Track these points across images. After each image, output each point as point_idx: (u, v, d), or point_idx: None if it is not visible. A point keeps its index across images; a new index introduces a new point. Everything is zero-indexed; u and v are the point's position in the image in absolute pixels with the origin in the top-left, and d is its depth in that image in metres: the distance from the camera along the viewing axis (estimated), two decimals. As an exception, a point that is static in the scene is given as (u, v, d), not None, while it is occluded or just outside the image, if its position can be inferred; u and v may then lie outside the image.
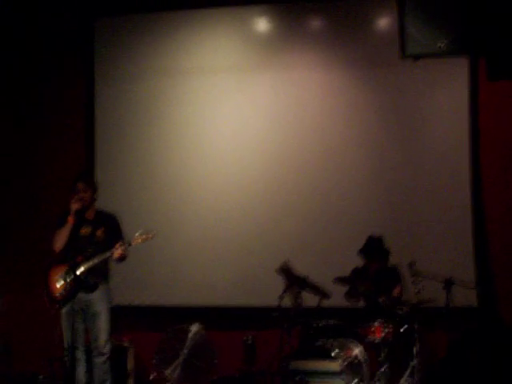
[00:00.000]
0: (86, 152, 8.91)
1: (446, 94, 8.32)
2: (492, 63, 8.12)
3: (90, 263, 6.82)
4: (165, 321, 8.31)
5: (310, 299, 7.48)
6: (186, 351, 8.04)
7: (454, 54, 7.87)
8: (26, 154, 8.99)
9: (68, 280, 6.78)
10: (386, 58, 8.38)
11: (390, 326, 7.05)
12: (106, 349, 6.97)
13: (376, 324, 7.07)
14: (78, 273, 6.79)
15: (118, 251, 6.80)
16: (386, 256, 7.68)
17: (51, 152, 8.93)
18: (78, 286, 6.77)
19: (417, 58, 7.90)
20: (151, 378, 7.97)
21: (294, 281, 7.34)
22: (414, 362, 6.93)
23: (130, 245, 6.85)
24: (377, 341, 7.04)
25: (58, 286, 6.84)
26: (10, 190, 9.01)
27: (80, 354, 6.95)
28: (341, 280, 7.46)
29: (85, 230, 7.02)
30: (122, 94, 8.85)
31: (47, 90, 8.98)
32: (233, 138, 8.65)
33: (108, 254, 6.84)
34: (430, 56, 7.84)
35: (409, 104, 8.42)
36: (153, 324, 8.51)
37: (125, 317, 8.19)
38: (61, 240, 6.91)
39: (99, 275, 6.97)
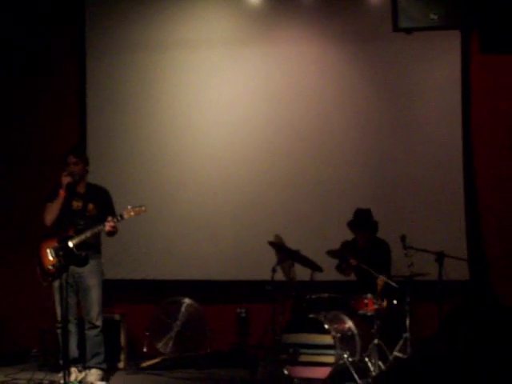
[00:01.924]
0: (78, 125, 8.83)
1: (439, 67, 8.29)
2: (484, 36, 8.10)
3: (82, 237, 6.79)
4: (157, 294, 8.33)
5: (302, 273, 7.49)
6: (178, 324, 8.06)
7: (446, 27, 7.81)
8: (15, 128, 8.92)
9: (59, 253, 6.73)
10: (379, 32, 8.32)
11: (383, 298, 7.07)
12: (99, 322, 6.98)
13: (369, 297, 7.09)
14: (69, 246, 6.75)
15: (109, 225, 6.77)
16: (374, 228, 7.68)
17: (42, 126, 8.85)
18: (69, 259, 6.72)
19: (409, 31, 7.86)
20: (144, 350, 8.00)
21: (285, 254, 7.34)
22: (407, 335, 6.95)
23: (122, 217, 6.81)
24: (369, 313, 7.05)
25: (49, 259, 6.84)
26: (1, 164, 8.96)
27: (72, 327, 6.96)
28: (331, 253, 7.47)
29: (76, 204, 7.00)
30: (113, 65, 8.77)
31: (38, 62, 8.88)
32: (225, 111, 8.60)
33: (99, 227, 6.81)
34: (422, 29, 7.78)
35: (401, 77, 8.40)
36: (145, 297, 8.52)
37: (117, 290, 8.20)
38: (52, 213, 6.90)
39: (91, 249, 6.96)
